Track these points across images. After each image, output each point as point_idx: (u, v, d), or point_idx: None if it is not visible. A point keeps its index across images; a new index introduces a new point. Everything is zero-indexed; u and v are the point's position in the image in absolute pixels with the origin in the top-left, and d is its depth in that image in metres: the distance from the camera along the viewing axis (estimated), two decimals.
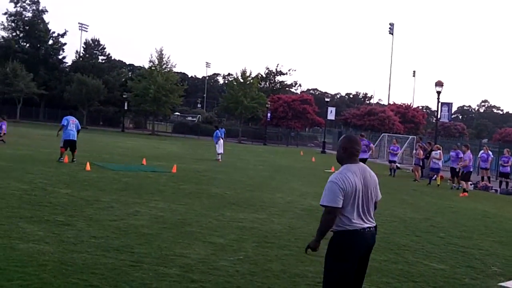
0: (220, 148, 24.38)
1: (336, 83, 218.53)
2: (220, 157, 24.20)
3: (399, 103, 69.12)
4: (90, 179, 13.21)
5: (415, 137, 37.00)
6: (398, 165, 27.14)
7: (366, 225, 4.16)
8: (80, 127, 18.02)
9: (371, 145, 24.07)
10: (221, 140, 24.63)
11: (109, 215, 8.68)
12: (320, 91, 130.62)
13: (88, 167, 15.33)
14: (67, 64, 77.94)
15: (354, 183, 4.10)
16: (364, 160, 22.17)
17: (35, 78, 66.31)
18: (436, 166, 21.30)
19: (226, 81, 79.64)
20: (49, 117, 67.82)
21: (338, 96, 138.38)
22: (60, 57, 77.16)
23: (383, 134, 42.37)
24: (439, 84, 26.11)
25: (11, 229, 7.10)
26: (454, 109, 62.78)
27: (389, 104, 75.30)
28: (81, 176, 13.70)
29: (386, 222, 10.52)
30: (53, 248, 6.33)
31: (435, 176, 21.40)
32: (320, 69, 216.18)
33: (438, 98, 26.60)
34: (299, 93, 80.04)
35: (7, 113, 69.72)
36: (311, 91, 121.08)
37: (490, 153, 24.01)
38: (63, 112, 61.61)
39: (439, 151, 21.54)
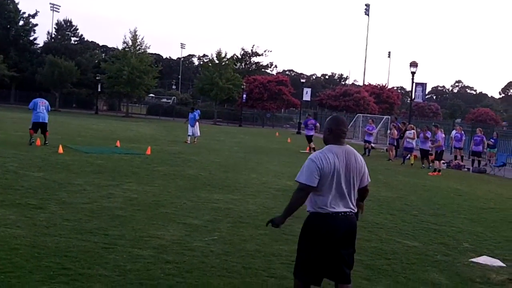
0: (197, 131, 23.97)
1: (312, 64, 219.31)
2: (192, 139, 23.56)
3: (374, 84, 69.59)
4: (62, 162, 13.03)
5: (389, 117, 37.37)
6: (373, 145, 27.41)
7: (341, 210, 4.02)
8: (49, 109, 17.76)
9: (317, 124, 24.77)
10: (197, 123, 24.30)
11: (82, 198, 8.61)
12: (296, 72, 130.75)
13: (60, 150, 15.11)
14: (39, 46, 76.15)
15: (333, 164, 3.99)
16: (310, 137, 23.41)
17: (5, 60, 64.72)
18: (410, 145, 21.60)
19: (201, 63, 78.93)
20: (20, 100, 66.36)
21: (313, 77, 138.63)
22: (31, 38, 75.20)
23: (358, 114, 42.69)
24: (413, 64, 26.34)
25: None
26: (428, 89, 63.54)
27: (364, 85, 75.75)
28: (53, 159, 13.50)
29: None
30: (25, 231, 6.26)
31: (409, 155, 21.72)
32: (296, 50, 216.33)
33: (413, 79, 26.85)
34: (274, 74, 79.85)
35: None
36: (286, 72, 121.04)
37: (463, 133, 24.46)
38: (35, 94, 60.60)
39: (413, 130, 21.83)
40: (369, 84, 71.66)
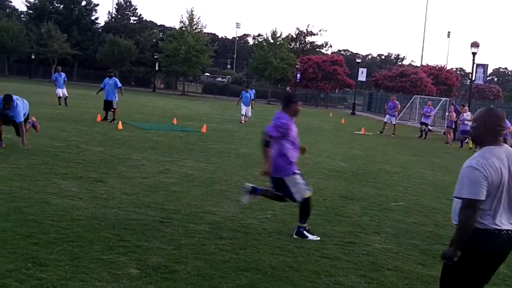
0: (249, 110, 23.72)
1: (367, 44, 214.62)
2: (245, 119, 23.34)
3: (432, 65, 67.44)
4: (122, 137, 13.44)
5: (447, 99, 36.21)
6: (430, 127, 26.60)
7: (505, 227, 3.28)
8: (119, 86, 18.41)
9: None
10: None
11: (140, 173, 8.86)
12: (351, 52, 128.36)
13: (120, 126, 15.58)
14: (100, 25, 78.35)
15: (500, 172, 3.23)
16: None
17: (69, 39, 67.00)
18: (467, 128, 20.88)
19: (256, 42, 78.68)
20: (82, 77, 68.65)
21: (369, 57, 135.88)
22: (93, 18, 77.51)
23: (414, 96, 41.57)
24: (474, 45, 25.37)
25: (46, 185, 7.32)
26: (489, 71, 60.98)
27: (421, 65, 73.58)
28: (113, 134, 13.95)
29: (416, 184, 10.46)
30: (86, 203, 6.52)
31: (467, 139, 21.02)
32: (351, 30, 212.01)
33: (473, 60, 25.90)
34: (329, 54, 78.72)
35: (42, 74, 71.30)
36: (342, 52, 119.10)
37: None
38: (96, 72, 62.48)
39: (470, 113, 21.09)
40: (427, 64, 69.53)
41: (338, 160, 12.92)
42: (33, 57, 67.93)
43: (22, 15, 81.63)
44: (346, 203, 8.08)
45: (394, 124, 23.96)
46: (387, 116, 24.31)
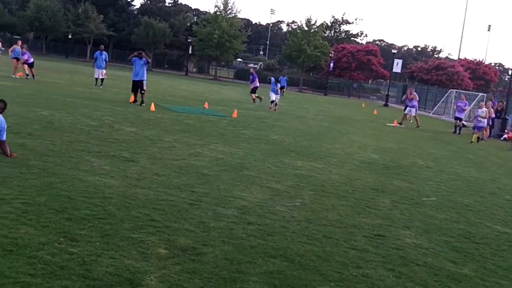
0: (276, 97, 23.07)
1: (403, 34, 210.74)
2: (273, 106, 22.67)
3: (470, 59, 65.97)
4: (154, 119, 13.56)
5: (484, 94, 35.39)
6: (465, 122, 25.99)
7: None
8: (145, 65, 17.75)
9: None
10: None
11: (171, 155, 8.92)
12: (386, 42, 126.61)
13: (152, 107, 15.71)
14: (135, 7, 79.05)
15: None
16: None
17: (105, 20, 67.80)
18: (480, 124, 20.31)
19: (290, 29, 78.17)
20: (117, 58, 69.48)
21: (405, 48, 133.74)
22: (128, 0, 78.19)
23: (450, 90, 40.78)
24: None
25: (79, 162, 7.43)
26: None
27: (459, 59, 72.07)
28: (146, 116, 14.07)
29: (449, 180, 10.26)
30: (118, 182, 6.59)
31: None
32: (387, 19, 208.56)
33: None
34: (364, 43, 77.71)
35: (78, 53, 72.40)
36: (377, 42, 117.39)
37: None
38: (130, 53, 63.07)
39: (485, 109, 20.64)
40: (465, 58, 68.19)
41: (370, 152, 12.76)
42: (70, 36, 69.09)
43: None
44: (376, 195, 7.97)
45: (414, 116, 23.57)
46: (407, 108, 23.93)
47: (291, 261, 4.68)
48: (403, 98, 24.62)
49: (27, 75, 22.53)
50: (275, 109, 22.55)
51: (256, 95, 25.59)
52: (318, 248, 5.14)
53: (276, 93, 22.99)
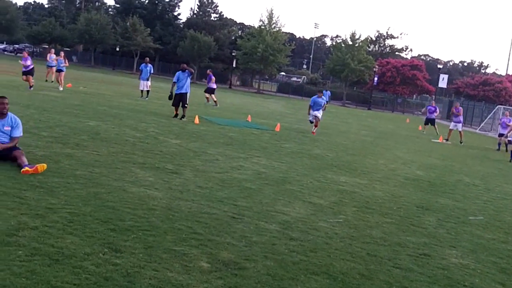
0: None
1: (449, 49, 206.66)
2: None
3: None
4: (198, 131, 13.71)
5: None
6: (511, 139, 24.99)
7: None
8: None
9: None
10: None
11: (214, 167, 8.98)
12: (431, 57, 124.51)
13: (196, 120, 15.90)
14: (182, 21, 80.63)
15: None
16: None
17: (152, 33, 69.41)
18: (504, 132, 19.61)
19: (334, 43, 78.01)
20: (163, 71, 70.89)
21: (451, 63, 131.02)
22: (175, 13, 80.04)
23: (498, 106, 39.63)
24: None
25: (125, 173, 7.56)
26: None
27: (507, 74, 70.01)
28: (190, 128, 14.25)
29: (497, 199, 9.93)
30: (162, 194, 6.67)
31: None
32: (433, 34, 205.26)
33: None
34: (409, 58, 76.62)
35: (125, 65, 74.23)
36: (422, 57, 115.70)
37: None
38: (176, 67, 64.14)
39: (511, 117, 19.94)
40: None
41: (415, 168, 12.49)
42: (117, 49, 70.99)
43: (110, 9, 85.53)
44: (421, 213, 7.79)
45: (460, 131, 22.97)
46: (452, 123, 23.41)
47: (334, 278, 4.61)
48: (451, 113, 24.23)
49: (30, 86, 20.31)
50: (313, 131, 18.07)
51: (214, 97, 25.66)
52: (361, 266, 5.05)
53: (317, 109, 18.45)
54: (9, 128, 7.44)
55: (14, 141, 7.47)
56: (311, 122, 18.51)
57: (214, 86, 26.36)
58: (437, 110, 28.16)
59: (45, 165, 6.94)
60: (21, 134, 7.66)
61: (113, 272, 4.04)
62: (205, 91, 26.60)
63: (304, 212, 6.79)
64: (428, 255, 5.70)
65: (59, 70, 23.49)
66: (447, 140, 22.57)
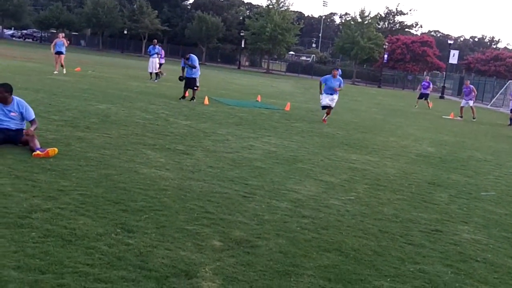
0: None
1: (460, 25, 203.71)
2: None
3: None
4: (207, 112, 13.70)
5: None
6: None
7: None
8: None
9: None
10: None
11: (225, 147, 8.98)
12: (442, 33, 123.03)
13: (206, 101, 15.89)
14: (189, 2, 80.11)
15: None
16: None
17: (159, 15, 69.10)
18: None
19: (343, 21, 77.17)
20: (171, 53, 70.73)
21: (461, 39, 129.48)
22: None
23: (509, 81, 39.14)
24: None
25: (135, 154, 7.59)
26: None
27: None
28: (199, 109, 14.24)
29: (508, 174, 9.86)
30: (173, 174, 6.69)
31: None
32: (443, 10, 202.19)
33: None
34: (419, 34, 75.67)
35: (134, 48, 74.17)
36: (432, 33, 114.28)
37: None
38: (184, 48, 64.18)
39: None
40: None
41: (426, 145, 12.41)
42: (125, 32, 70.85)
43: None
44: (433, 189, 7.75)
45: (472, 107, 22.76)
46: (463, 100, 23.22)
47: (346, 255, 4.62)
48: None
49: None
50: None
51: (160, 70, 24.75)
52: (373, 243, 5.05)
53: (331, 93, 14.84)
54: (16, 114, 7.42)
55: (34, 123, 7.51)
56: (323, 108, 14.97)
57: (162, 61, 25.16)
58: (431, 85, 28.65)
59: (56, 149, 6.97)
60: (34, 116, 7.68)
61: (126, 252, 4.07)
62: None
63: (315, 190, 6.79)
64: (440, 231, 5.69)
65: (59, 52, 22.50)
66: (461, 117, 22.37)
